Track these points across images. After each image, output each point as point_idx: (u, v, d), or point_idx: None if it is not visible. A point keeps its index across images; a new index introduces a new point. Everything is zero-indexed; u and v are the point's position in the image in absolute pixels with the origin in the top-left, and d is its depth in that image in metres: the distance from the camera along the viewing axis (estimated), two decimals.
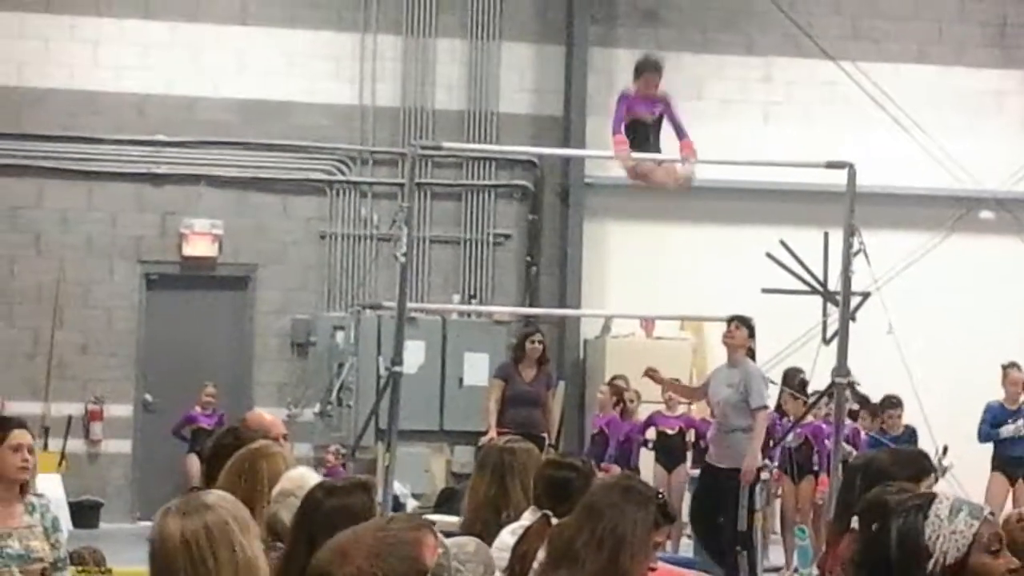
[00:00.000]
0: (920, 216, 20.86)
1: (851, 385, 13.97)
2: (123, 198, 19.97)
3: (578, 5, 20.54)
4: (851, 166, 13.36)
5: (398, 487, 15.92)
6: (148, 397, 19.90)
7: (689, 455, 16.94)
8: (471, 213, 20.71)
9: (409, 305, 14.03)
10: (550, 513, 6.26)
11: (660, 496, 5.24)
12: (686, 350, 19.33)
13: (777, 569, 16.62)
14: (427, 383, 19.21)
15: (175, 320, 19.97)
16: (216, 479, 6.05)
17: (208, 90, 20.09)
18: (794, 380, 17.08)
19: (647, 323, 19.49)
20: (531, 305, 20.25)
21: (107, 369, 19.81)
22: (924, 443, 14.91)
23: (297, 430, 18.81)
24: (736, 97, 20.99)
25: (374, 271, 19.68)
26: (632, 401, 17.30)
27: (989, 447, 16.66)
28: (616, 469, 15.93)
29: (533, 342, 15.95)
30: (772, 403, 17.12)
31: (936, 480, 5.67)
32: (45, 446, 18.30)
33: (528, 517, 6.46)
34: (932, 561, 3.66)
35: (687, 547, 15.65)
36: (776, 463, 16.68)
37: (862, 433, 16.50)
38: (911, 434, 16.43)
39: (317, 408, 19.15)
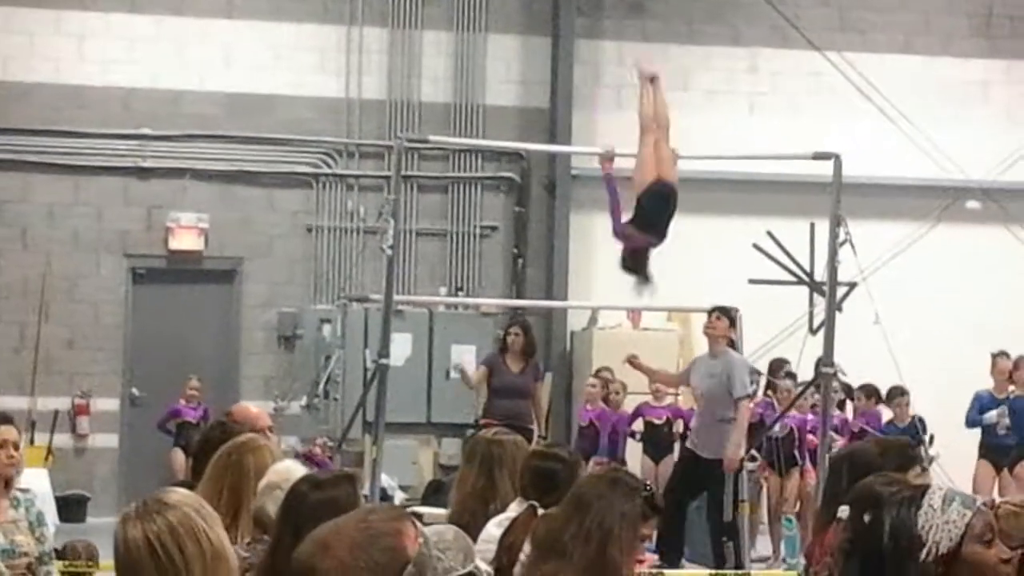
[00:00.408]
0: (906, 206, 20.88)
1: (836, 375, 13.98)
2: (109, 192, 19.94)
3: None
4: (837, 157, 13.38)
5: (385, 479, 15.90)
6: (135, 391, 19.88)
7: (677, 446, 16.95)
8: (457, 205, 20.70)
9: (396, 297, 14.02)
10: (536, 504, 6.26)
11: (648, 488, 5.24)
12: (673, 341, 19.35)
13: (765, 559, 16.64)
14: (414, 375, 19.19)
15: (161, 314, 19.95)
16: (203, 473, 6.05)
17: (194, 84, 20.06)
18: (780, 371, 17.12)
19: (634, 315, 19.51)
20: (518, 297, 20.26)
21: (94, 363, 19.78)
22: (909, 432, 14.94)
23: (284, 423, 18.81)
24: (722, 88, 21.00)
25: (361, 264, 19.67)
26: (617, 393, 17.32)
27: (975, 436, 16.70)
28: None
29: (511, 334, 15.98)
30: (759, 393, 17.20)
31: (923, 470, 5.68)
32: (32, 440, 18.28)
33: (514, 508, 6.46)
34: (925, 551, 3.66)
35: None
36: (762, 453, 16.73)
37: (846, 420, 16.49)
38: (919, 423, 16.49)
39: (304, 401, 19.14)
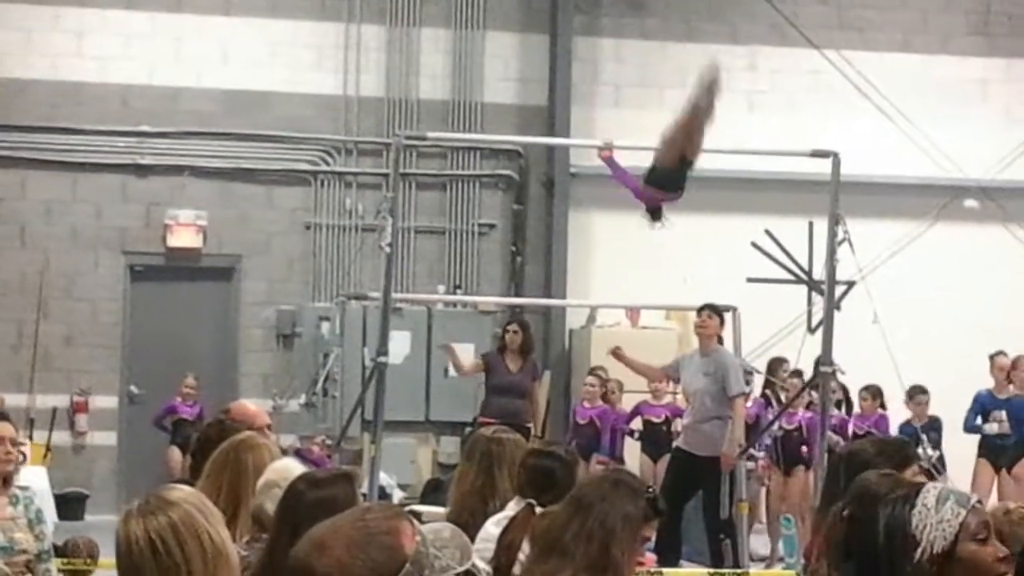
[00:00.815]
0: (905, 205, 20.87)
1: (834, 375, 13.99)
2: (107, 189, 19.93)
3: None
4: (836, 155, 13.37)
5: (384, 478, 15.91)
6: (133, 389, 19.88)
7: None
8: (456, 203, 20.70)
9: (394, 295, 14.02)
10: (534, 502, 6.26)
11: (650, 490, 5.24)
12: (671, 339, 19.34)
13: (763, 558, 16.64)
14: (413, 373, 19.19)
15: (160, 311, 19.95)
16: (202, 471, 6.04)
17: (191, 80, 20.05)
18: (779, 369, 17.12)
19: (632, 313, 19.51)
20: (516, 295, 20.25)
21: (92, 361, 19.78)
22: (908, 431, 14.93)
23: (283, 421, 18.81)
24: (721, 86, 20.94)
25: (359, 261, 19.67)
26: (614, 392, 17.32)
27: (975, 435, 16.70)
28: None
29: (509, 332, 15.98)
30: (757, 391, 17.20)
31: (920, 469, 5.69)
32: (30, 438, 18.26)
33: (512, 507, 6.46)
34: (919, 551, 3.66)
35: None
36: (764, 452, 16.72)
37: (844, 420, 16.48)
38: (935, 422, 16.50)
39: (303, 399, 19.14)
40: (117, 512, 18.86)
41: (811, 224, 17.84)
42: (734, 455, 13.86)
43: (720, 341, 14.35)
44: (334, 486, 4.88)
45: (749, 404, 16.27)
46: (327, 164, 20.49)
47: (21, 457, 16.97)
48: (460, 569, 3.40)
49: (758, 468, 16.69)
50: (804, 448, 16.28)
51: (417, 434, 19.45)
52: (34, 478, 13.59)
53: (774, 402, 16.96)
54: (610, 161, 13.18)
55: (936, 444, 16.40)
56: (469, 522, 6.36)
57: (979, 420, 16.60)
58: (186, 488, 3.92)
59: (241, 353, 20.20)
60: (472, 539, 5.26)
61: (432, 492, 17.69)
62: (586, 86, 20.72)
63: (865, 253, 14.46)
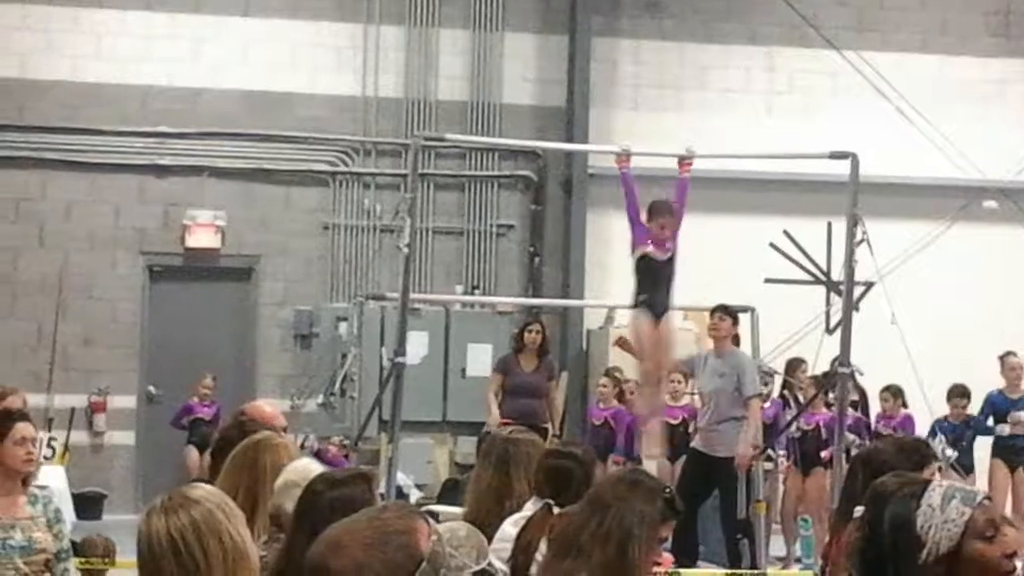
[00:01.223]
0: (923, 206, 20.84)
1: (852, 375, 13.97)
2: (126, 190, 19.97)
3: None
4: (854, 156, 13.34)
5: (401, 478, 15.92)
6: (151, 389, 19.91)
7: None
8: (474, 204, 20.71)
9: (412, 296, 14.02)
10: (552, 503, 6.26)
11: (668, 490, 5.24)
12: (690, 340, 19.27)
13: (781, 559, 16.62)
14: (430, 374, 19.21)
15: (178, 312, 19.98)
16: (220, 471, 6.06)
17: (211, 81, 20.08)
18: (797, 370, 17.10)
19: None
20: (534, 296, 20.25)
21: (110, 361, 19.81)
22: (925, 433, 14.92)
23: (300, 421, 18.83)
24: (739, 87, 20.98)
25: (377, 262, 19.68)
26: (632, 392, 17.29)
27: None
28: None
29: (531, 332, 16.05)
30: (775, 392, 17.19)
31: (939, 469, 5.68)
32: (51, 439, 18.31)
33: (530, 507, 6.45)
34: (925, 552, 3.63)
35: None
36: (783, 453, 16.70)
37: (858, 420, 16.46)
38: (968, 423, 16.47)
39: (320, 399, 19.15)
40: (135, 512, 18.93)
41: (829, 225, 17.85)
42: (749, 456, 13.87)
43: (736, 342, 14.35)
44: (352, 486, 4.89)
45: (767, 405, 16.27)
46: (346, 165, 20.51)
47: (50, 452, 16.92)
48: (476, 568, 3.41)
49: (779, 469, 16.68)
50: (822, 449, 16.25)
51: (434, 434, 19.46)
52: (52, 478, 13.64)
53: (792, 403, 16.94)
54: (625, 173, 13.06)
55: (970, 443, 16.41)
56: (485, 523, 6.36)
57: (990, 421, 16.57)
58: (209, 487, 3.94)
59: (259, 353, 20.23)
60: (488, 540, 5.27)
61: (449, 492, 17.70)
62: (604, 87, 20.72)
63: (883, 254, 14.45)
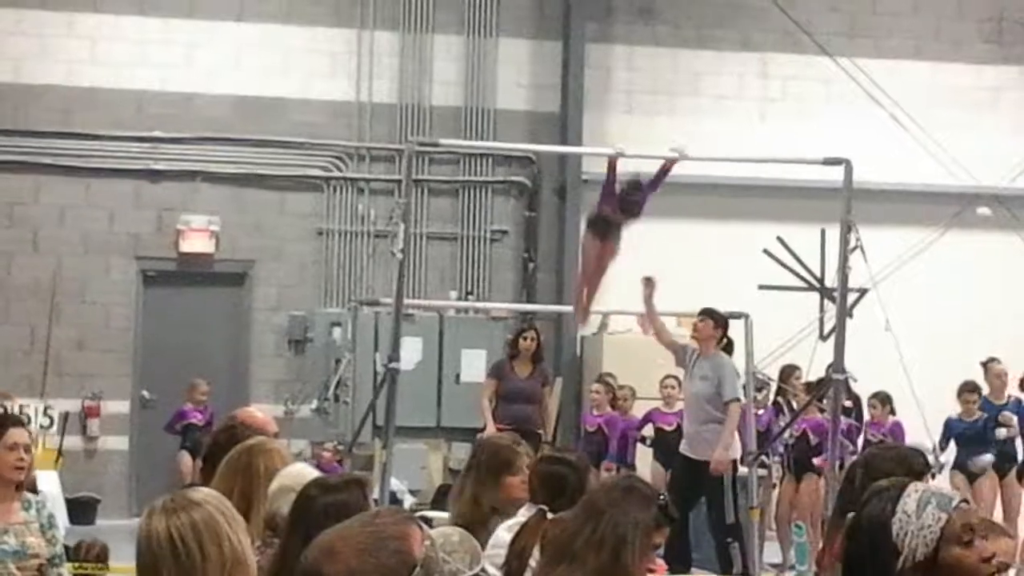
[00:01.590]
0: (917, 212, 20.85)
1: (846, 381, 13.98)
2: (120, 194, 19.96)
3: (575, 1, 20.53)
4: (848, 162, 13.36)
5: (395, 484, 15.90)
6: (145, 393, 19.90)
7: None
8: (468, 209, 20.71)
9: (406, 301, 14.04)
10: (546, 508, 6.26)
11: (662, 497, 5.24)
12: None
13: (776, 566, 16.62)
14: (424, 380, 19.20)
15: (172, 317, 19.97)
16: (213, 476, 6.05)
17: (205, 86, 20.07)
18: (791, 376, 17.10)
19: (644, 320, 19.45)
20: (528, 301, 20.26)
21: (104, 365, 19.79)
22: (920, 439, 14.92)
23: (294, 427, 18.82)
24: (732, 93, 20.99)
25: (371, 267, 19.68)
26: (626, 399, 17.29)
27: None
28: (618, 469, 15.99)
29: (526, 339, 16.09)
30: (770, 399, 17.19)
31: (933, 477, 5.68)
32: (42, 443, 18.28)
33: (524, 513, 6.46)
34: (901, 560, 3.58)
35: None
36: (777, 459, 16.71)
37: (857, 429, 16.49)
38: (986, 422, 16.47)
39: (314, 405, 19.14)
40: (128, 516, 18.92)
41: (823, 231, 17.86)
42: (725, 459, 13.89)
43: (729, 348, 14.36)
44: (345, 491, 4.89)
45: (761, 412, 16.28)
46: (339, 170, 20.50)
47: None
48: (469, 573, 3.41)
49: (773, 475, 16.69)
50: (812, 454, 16.27)
51: (428, 440, 19.45)
52: (46, 483, 13.62)
53: (786, 409, 16.94)
54: (611, 169, 13.34)
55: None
56: (468, 528, 6.37)
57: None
58: (212, 492, 3.94)
59: (253, 358, 20.21)
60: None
61: (443, 498, 17.66)
62: (598, 93, 20.72)
63: (877, 260, 14.45)
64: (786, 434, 16.07)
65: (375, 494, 12.16)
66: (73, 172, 19.78)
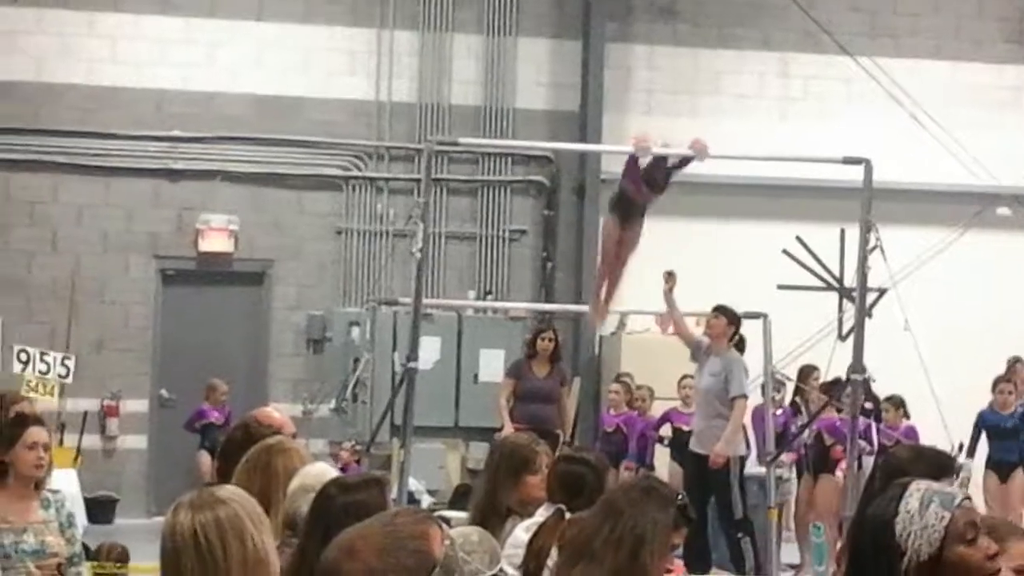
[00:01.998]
0: (937, 212, 20.81)
1: (867, 382, 13.96)
2: (139, 193, 19.99)
3: (595, 0, 20.51)
4: (868, 162, 13.32)
5: (413, 483, 15.91)
6: (164, 393, 19.93)
7: None
8: (487, 209, 20.70)
9: (425, 301, 14.02)
10: (564, 508, 6.26)
11: (680, 497, 5.24)
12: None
13: (794, 566, 16.59)
14: (442, 379, 19.20)
15: (191, 316, 19.99)
16: (229, 475, 6.05)
17: (224, 85, 20.10)
18: (809, 377, 17.08)
19: (662, 319, 19.44)
20: (547, 301, 20.24)
21: (123, 365, 19.83)
22: (939, 440, 14.88)
23: (312, 426, 18.84)
24: (753, 92, 20.96)
25: (390, 267, 19.68)
26: (643, 400, 17.27)
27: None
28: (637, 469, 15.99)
29: (544, 339, 16.09)
30: (787, 400, 17.16)
31: (957, 476, 5.65)
32: (61, 442, 18.31)
33: (542, 512, 6.45)
34: (906, 560, 3.56)
35: None
36: (791, 460, 16.69)
37: (874, 428, 16.44)
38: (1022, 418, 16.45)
39: (332, 404, 19.15)
40: (147, 516, 18.93)
41: (843, 231, 17.81)
42: (725, 453, 13.93)
43: (741, 345, 14.40)
44: (365, 491, 4.89)
45: (779, 412, 16.26)
46: (359, 169, 20.51)
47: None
48: (489, 573, 3.41)
49: (790, 476, 16.68)
50: (827, 454, 16.24)
51: (446, 440, 19.44)
52: (65, 482, 13.62)
53: (804, 410, 16.92)
54: (635, 157, 13.14)
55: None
56: (485, 527, 6.37)
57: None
58: (240, 491, 3.95)
59: (271, 358, 20.23)
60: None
61: (461, 498, 17.68)
62: (618, 92, 20.71)
63: (897, 260, 14.42)
64: (805, 434, 16.05)
65: (393, 494, 12.17)
66: (93, 171, 19.82)
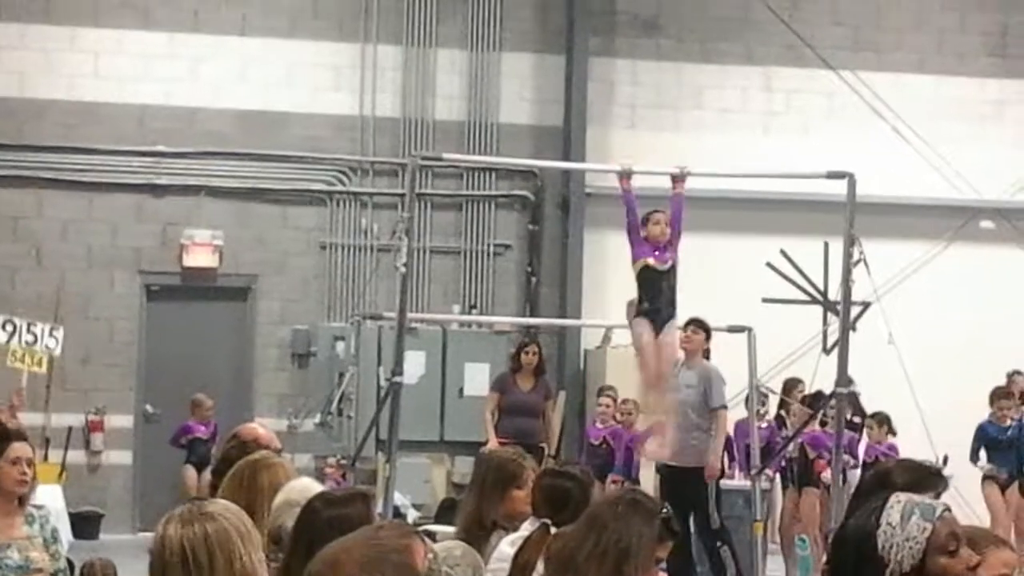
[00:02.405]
0: (920, 226, 20.86)
1: (855, 395, 13.99)
2: (123, 209, 19.97)
3: (578, 15, 20.55)
4: (851, 176, 13.37)
5: (399, 497, 15.89)
6: (149, 408, 19.90)
7: None
8: (471, 223, 20.72)
9: (409, 315, 14.03)
10: (549, 522, 6.26)
11: (665, 510, 5.24)
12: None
13: None
14: (427, 393, 19.19)
15: (175, 331, 19.97)
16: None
17: (208, 100, 20.10)
18: (794, 390, 17.10)
19: None
20: (531, 315, 20.26)
21: (108, 380, 19.80)
22: (924, 453, 14.91)
23: (298, 441, 18.82)
24: (736, 107, 21.00)
25: (374, 281, 19.67)
26: (630, 413, 17.26)
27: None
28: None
29: (528, 353, 16.11)
30: (772, 413, 17.18)
31: (944, 491, 5.66)
32: (45, 457, 18.29)
33: (527, 527, 6.45)
34: (888, 572, 3.57)
35: None
36: (774, 473, 16.70)
37: (862, 442, 16.47)
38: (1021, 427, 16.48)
39: (317, 419, 19.13)
40: (132, 531, 18.82)
41: (827, 245, 17.85)
42: (718, 466, 13.97)
43: (706, 356, 14.45)
44: (350, 505, 4.89)
45: (763, 425, 16.28)
46: (343, 184, 20.52)
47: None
48: None
49: (773, 489, 16.68)
50: (811, 467, 16.25)
51: (431, 454, 19.43)
52: (49, 497, 13.59)
53: (788, 423, 16.93)
54: (627, 193, 13.26)
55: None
56: (471, 542, 6.37)
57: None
58: (232, 506, 3.95)
59: (256, 372, 20.22)
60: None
61: (446, 512, 17.65)
62: (601, 107, 20.74)
63: (880, 274, 14.46)
64: (790, 447, 16.06)
65: (378, 508, 12.16)
66: (76, 186, 19.80)
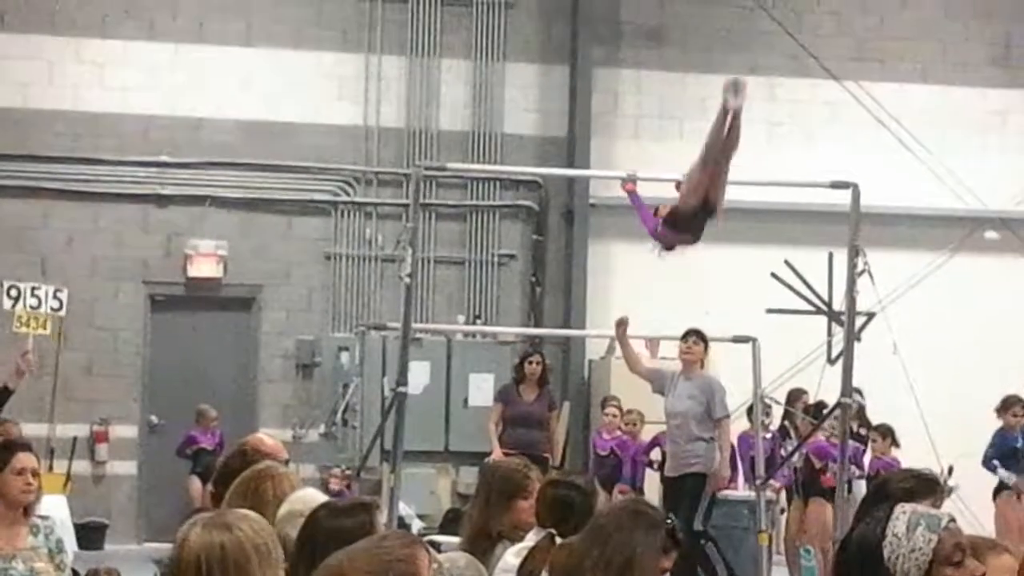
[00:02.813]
0: (924, 236, 20.85)
1: (861, 407, 13.99)
2: (128, 219, 19.99)
3: (582, 25, 20.57)
4: (855, 186, 13.35)
5: (403, 508, 15.89)
6: (153, 418, 19.90)
7: None
8: (476, 234, 20.72)
9: (414, 326, 14.02)
10: (554, 532, 6.26)
11: (669, 521, 5.23)
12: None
13: None
14: (432, 404, 19.19)
15: (180, 341, 19.98)
16: (223, 501, 6.05)
17: (213, 111, 20.11)
18: (798, 401, 17.09)
19: (651, 344, 19.47)
20: (536, 325, 20.26)
21: (112, 390, 19.80)
22: (929, 463, 14.88)
23: (302, 451, 18.81)
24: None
25: (379, 292, 19.69)
26: (635, 424, 17.27)
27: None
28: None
29: (532, 363, 16.11)
30: (775, 424, 17.17)
31: (943, 499, 5.67)
32: (50, 467, 18.28)
33: (532, 537, 6.46)
34: None
35: None
36: (779, 484, 16.69)
37: (867, 454, 16.45)
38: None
39: (322, 429, 19.14)
40: (137, 542, 18.79)
41: (831, 255, 17.83)
42: (726, 475, 14.02)
43: (702, 366, 14.49)
44: (353, 515, 4.89)
45: (767, 436, 16.27)
46: (347, 194, 20.53)
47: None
48: None
49: (778, 499, 16.67)
50: (816, 476, 16.24)
51: (436, 464, 19.43)
52: (54, 507, 13.60)
53: (792, 433, 16.92)
54: (632, 195, 13.27)
55: None
56: (476, 553, 6.37)
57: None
58: (257, 519, 3.95)
59: (261, 383, 20.22)
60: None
61: (451, 522, 17.65)
62: (606, 117, 20.75)
63: (885, 284, 14.46)
64: (795, 458, 16.06)
65: (383, 518, 12.15)
66: (81, 197, 19.82)
